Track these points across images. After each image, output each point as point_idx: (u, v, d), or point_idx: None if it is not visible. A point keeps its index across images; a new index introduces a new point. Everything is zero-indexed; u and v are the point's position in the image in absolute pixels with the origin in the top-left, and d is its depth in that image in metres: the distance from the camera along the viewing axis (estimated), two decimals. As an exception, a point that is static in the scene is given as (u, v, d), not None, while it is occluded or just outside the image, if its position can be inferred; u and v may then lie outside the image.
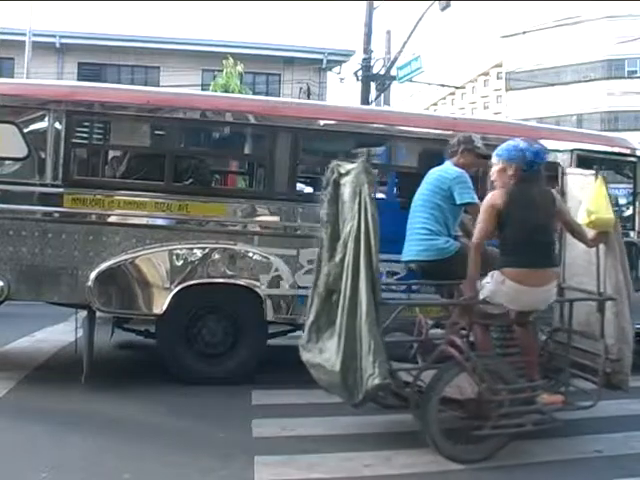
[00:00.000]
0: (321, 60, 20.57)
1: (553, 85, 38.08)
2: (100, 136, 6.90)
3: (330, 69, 21.12)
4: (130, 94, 6.08)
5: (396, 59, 16.36)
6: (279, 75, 20.95)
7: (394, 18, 23.54)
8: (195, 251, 5.57)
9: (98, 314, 5.58)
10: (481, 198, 4.63)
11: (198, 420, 4.73)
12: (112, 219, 5.56)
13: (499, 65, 53.49)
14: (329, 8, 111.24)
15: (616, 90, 40.39)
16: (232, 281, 5.61)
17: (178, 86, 15.20)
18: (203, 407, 5.04)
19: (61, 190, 5.47)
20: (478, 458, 4.10)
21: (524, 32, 44.75)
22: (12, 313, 7.79)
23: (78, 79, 18.37)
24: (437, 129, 6.18)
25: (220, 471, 3.86)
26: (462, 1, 24.14)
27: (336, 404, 5.20)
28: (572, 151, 6.13)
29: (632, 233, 6.46)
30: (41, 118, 5.48)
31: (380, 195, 7.60)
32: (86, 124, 6.40)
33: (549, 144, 5.88)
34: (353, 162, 4.41)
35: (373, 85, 16.67)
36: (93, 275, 5.37)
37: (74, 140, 5.69)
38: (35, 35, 17.29)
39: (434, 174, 5.03)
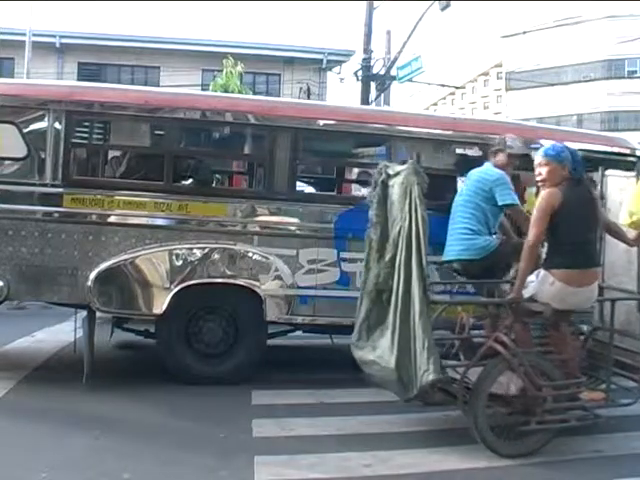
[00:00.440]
0: (321, 60, 20.58)
1: (553, 85, 38.08)
2: (100, 136, 6.90)
3: (330, 69, 21.13)
4: (130, 94, 6.08)
5: (396, 59, 16.36)
6: (279, 75, 20.96)
7: (394, 18, 23.54)
8: (195, 251, 5.57)
9: (98, 314, 5.58)
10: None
11: (198, 420, 4.73)
12: (112, 219, 5.56)
13: (499, 65, 53.47)
14: (329, 8, 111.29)
15: (616, 90, 40.36)
16: (232, 281, 5.61)
17: (178, 86, 15.22)
18: (203, 407, 5.04)
19: (61, 190, 5.47)
20: (523, 453, 4.19)
21: (524, 32, 44.71)
22: (12, 313, 7.82)
23: (78, 79, 18.38)
24: (437, 129, 6.18)
25: (220, 471, 3.86)
26: (462, 1, 24.12)
27: (336, 404, 5.23)
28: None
29: None
30: (41, 118, 5.48)
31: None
32: (86, 124, 6.40)
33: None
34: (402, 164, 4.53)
35: (373, 85, 16.68)
36: (93, 275, 5.37)
37: (74, 140, 5.69)
38: (35, 35, 17.28)
39: (474, 175, 5.16)
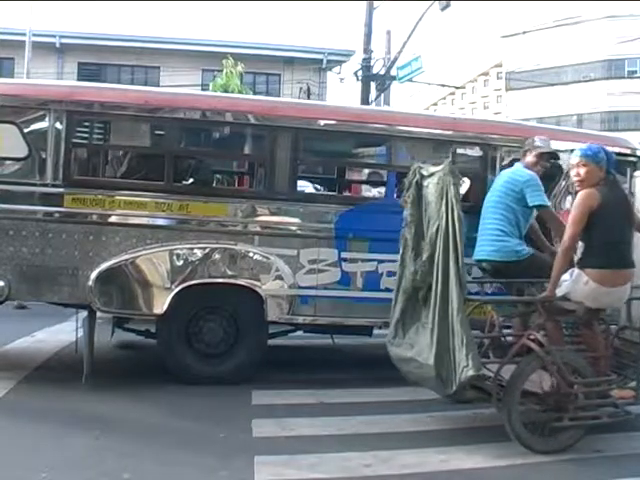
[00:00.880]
0: (321, 60, 20.56)
1: (553, 85, 38.11)
2: (100, 136, 6.90)
3: (330, 69, 21.12)
4: (130, 94, 6.07)
5: (396, 59, 16.36)
6: (279, 75, 20.95)
7: (394, 18, 23.53)
8: (196, 251, 5.56)
9: (98, 314, 5.58)
10: None
11: (198, 420, 4.73)
12: (113, 219, 5.55)
13: (499, 65, 53.49)
14: (329, 8, 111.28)
15: (616, 90, 40.38)
16: (233, 281, 5.60)
17: (178, 86, 15.22)
18: (203, 407, 5.04)
19: (61, 190, 5.46)
20: (556, 449, 4.25)
21: (524, 32, 44.76)
22: (12, 313, 7.81)
23: (78, 79, 18.37)
24: (437, 129, 6.19)
25: (220, 471, 3.85)
26: (462, 1, 24.15)
27: (336, 404, 5.23)
28: (573, 151, 6.12)
29: None
30: (41, 118, 5.47)
31: (381, 195, 7.65)
32: (86, 124, 6.39)
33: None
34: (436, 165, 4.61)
35: (373, 85, 16.68)
36: (94, 275, 5.37)
37: (74, 140, 5.69)
38: (35, 35, 17.26)
39: (505, 176, 5.21)
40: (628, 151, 6.53)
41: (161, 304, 5.46)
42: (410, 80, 16.88)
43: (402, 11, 25.37)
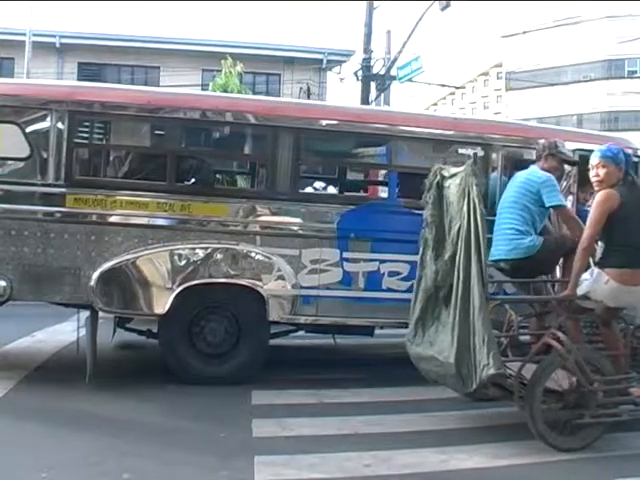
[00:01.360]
0: (321, 60, 20.54)
1: (553, 85, 38.13)
2: (102, 136, 6.89)
3: (330, 69, 21.11)
4: (133, 94, 6.07)
5: (396, 59, 16.36)
6: (279, 75, 20.93)
7: (394, 18, 23.54)
8: (197, 251, 5.57)
9: (100, 314, 5.59)
10: None
11: (198, 420, 4.73)
12: (114, 219, 5.56)
13: (499, 65, 53.51)
14: (329, 8, 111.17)
15: (616, 90, 40.41)
16: (234, 281, 5.61)
17: (178, 86, 15.22)
18: (203, 407, 5.04)
19: (63, 190, 5.47)
20: (577, 447, 4.29)
21: (524, 32, 44.80)
22: (13, 313, 7.81)
23: (78, 79, 18.36)
24: (438, 129, 6.19)
25: (220, 471, 3.85)
26: (462, 1, 24.16)
27: (336, 404, 5.24)
28: (573, 151, 6.13)
29: None
30: (43, 118, 5.48)
31: (381, 195, 7.65)
32: (88, 124, 6.39)
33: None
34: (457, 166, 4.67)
35: (373, 85, 16.68)
36: (95, 275, 5.37)
37: (76, 140, 5.69)
38: (35, 35, 17.27)
39: (521, 177, 5.23)
40: (630, 151, 6.53)
41: (163, 304, 5.47)
42: (410, 80, 16.89)
43: (402, 11, 25.37)
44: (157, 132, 6.72)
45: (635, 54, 39.07)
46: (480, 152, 6.16)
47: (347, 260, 5.76)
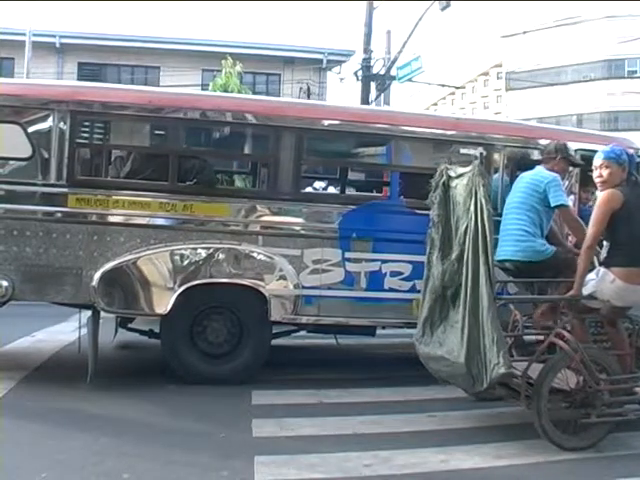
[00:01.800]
0: (321, 60, 20.55)
1: (553, 85, 38.14)
2: (104, 136, 6.88)
3: (330, 69, 21.12)
4: (135, 94, 6.07)
5: (396, 59, 16.37)
6: (279, 75, 20.95)
7: (394, 18, 23.55)
8: (199, 251, 5.57)
9: (101, 314, 5.59)
10: None
11: (198, 420, 4.73)
12: (116, 219, 5.55)
13: (499, 65, 53.50)
14: (329, 8, 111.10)
15: (616, 90, 40.42)
16: (236, 281, 5.60)
17: (178, 86, 15.22)
18: (203, 407, 5.04)
19: (65, 190, 5.47)
20: (583, 446, 4.31)
21: (524, 32, 44.79)
22: (13, 313, 7.81)
23: (78, 79, 18.37)
24: (440, 129, 6.19)
25: (220, 471, 3.85)
26: (462, 1, 24.14)
27: (336, 404, 5.24)
28: (575, 151, 6.13)
29: None
30: (45, 118, 5.48)
31: (382, 195, 7.64)
32: (90, 124, 6.38)
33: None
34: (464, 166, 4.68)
35: (373, 85, 16.68)
36: (97, 275, 5.37)
37: (78, 140, 5.69)
38: (35, 35, 17.26)
39: (526, 178, 5.25)
40: (632, 152, 6.54)
41: (165, 304, 5.47)
42: (410, 80, 16.90)
43: (402, 11, 25.41)
44: (159, 132, 6.72)
45: (635, 54, 39.07)
46: (483, 152, 6.16)
47: (349, 260, 5.76)
